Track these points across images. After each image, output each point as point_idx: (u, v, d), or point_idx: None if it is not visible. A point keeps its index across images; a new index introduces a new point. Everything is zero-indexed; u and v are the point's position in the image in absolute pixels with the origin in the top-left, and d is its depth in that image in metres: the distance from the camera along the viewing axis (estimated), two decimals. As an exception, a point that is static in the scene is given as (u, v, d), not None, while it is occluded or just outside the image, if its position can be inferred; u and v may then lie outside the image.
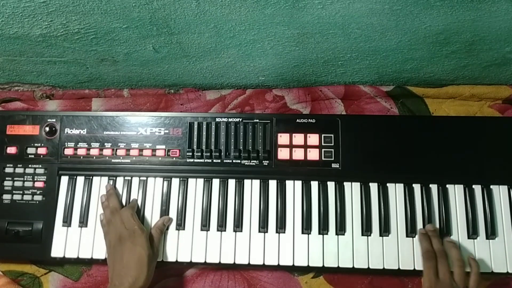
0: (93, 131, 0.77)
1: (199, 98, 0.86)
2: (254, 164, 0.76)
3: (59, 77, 0.83)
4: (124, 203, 0.76)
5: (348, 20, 0.63)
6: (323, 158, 0.75)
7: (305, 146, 0.76)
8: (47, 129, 0.77)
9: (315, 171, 0.75)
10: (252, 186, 0.76)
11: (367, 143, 0.76)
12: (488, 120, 0.79)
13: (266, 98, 0.86)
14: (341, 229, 0.73)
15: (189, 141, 0.77)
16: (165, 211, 0.75)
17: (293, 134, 0.76)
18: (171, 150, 0.76)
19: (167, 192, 0.76)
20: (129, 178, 0.77)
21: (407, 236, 0.73)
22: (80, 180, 0.77)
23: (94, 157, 0.77)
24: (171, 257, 0.72)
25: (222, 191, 0.75)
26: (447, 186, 0.75)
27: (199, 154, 0.76)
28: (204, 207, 0.75)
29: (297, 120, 0.77)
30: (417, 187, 0.75)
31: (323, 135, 0.76)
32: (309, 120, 0.77)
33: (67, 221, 0.75)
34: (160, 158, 0.76)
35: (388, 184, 0.75)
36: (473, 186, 0.75)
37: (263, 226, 0.73)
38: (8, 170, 0.77)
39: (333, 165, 0.75)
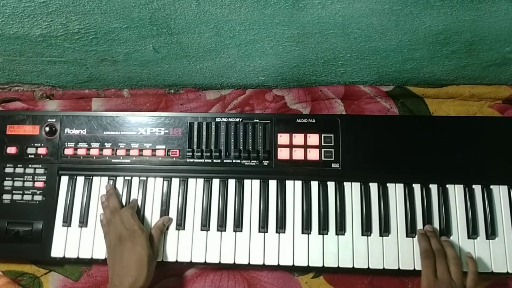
0: (93, 131, 0.77)
1: (199, 98, 0.86)
2: (254, 164, 0.76)
3: (59, 77, 0.83)
4: (124, 203, 0.76)
5: (348, 20, 0.63)
6: (323, 158, 0.75)
7: (305, 146, 0.76)
8: (47, 129, 0.77)
9: (315, 171, 0.75)
10: (252, 186, 0.76)
11: (367, 143, 0.76)
12: (488, 120, 0.79)
13: (266, 98, 0.86)
14: (341, 229, 0.73)
15: (189, 141, 0.77)
16: (165, 211, 0.75)
17: (293, 134, 0.76)
18: (171, 150, 0.76)
19: (167, 192, 0.76)
20: (129, 178, 0.77)
21: (407, 236, 0.73)
22: (80, 180, 0.77)
23: (94, 157, 0.77)
24: (171, 257, 0.72)
25: (222, 191, 0.75)
26: (447, 186, 0.75)
27: (199, 154, 0.76)
28: (204, 207, 0.75)
29: (297, 120, 0.77)
30: (417, 187, 0.75)
31: (323, 135, 0.76)
32: (309, 120, 0.77)
33: (67, 221, 0.75)
34: (160, 158, 0.76)
35: (388, 184, 0.75)
36: (473, 186, 0.75)
37: (263, 226, 0.73)
38: (8, 170, 0.77)
39: (333, 165, 0.75)
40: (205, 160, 0.76)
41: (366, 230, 0.73)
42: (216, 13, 0.61)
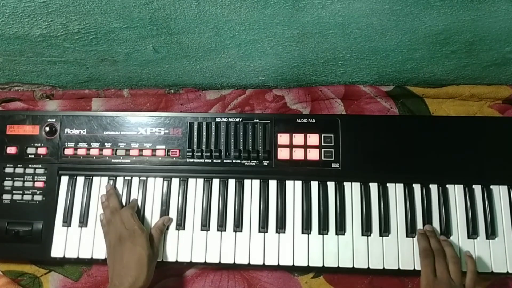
0: (93, 131, 0.77)
1: (199, 98, 0.86)
2: (254, 164, 0.76)
3: (59, 77, 0.83)
4: (124, 203, 0.76)
5: (348, 20, 0.63)
6: (323, 158, 0.75)
7: (305, 146, 0.76)
8: (47, 129, 0.77)
9: (315, 171, 0.75)
10: (252, 186, 0.76)
11: (367, 143, 0.76)
12: (488, 120, 0.79)
13: (266, 98, 0.86)
14: (341, 229, 0.73)
15: (189, 141, 0.77)
16: (165, 211, 0.75)
17: (293, 134, 0.76)
18: (171, 150, 0.76)
19: (167, 192, 0.76)
20: (129, 178, 0.77)
21: (407, 236, 0.73)
22: (80, 180, 0.77)
23: (94, 157, 0.77)
24: (171, 257, 0.72)
25: (222, 191, 0.75)
26: (447, 186, 0.75)
27: (199, 154, 0.76)
28: (204, 207, 0.75)
29: (297, 120, 0.77)
30: (417, 187, 0.75)
31: (323, 135, 0.76)
32: (309, 120, 0.77)
33: (67, 221, 0.75)
34: (160, 158, 0.76)
35: (388, 184, 0.75)
36: (473, 186, 0.75)
37: (263, 226, 0.73)
38: (8, 170, 0.77)
39: (333, 165, 0.75)
40: (205, 160, 0.76)
41: (366, 230, 0.73)
42: (216, 13, 0.61)
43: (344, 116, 0.81)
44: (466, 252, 0.71)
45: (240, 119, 0.77)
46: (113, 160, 0.76)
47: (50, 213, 0.75)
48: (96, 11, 0.61)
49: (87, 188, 0.76)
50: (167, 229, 0.74)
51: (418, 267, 0.71)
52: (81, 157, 0.77)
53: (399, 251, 0.72)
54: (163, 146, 0.76)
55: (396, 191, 0.75)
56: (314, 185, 0.75)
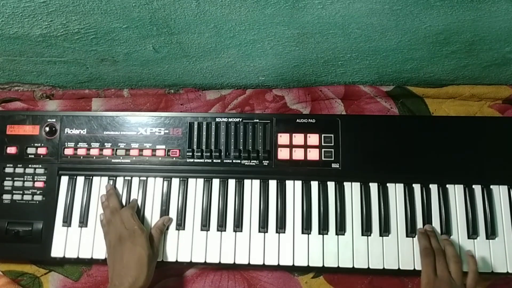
0: (93, 131, 0.77)
1: (199, 98, 0.86)
2: (254, 164, 0.76)
3: (59, 77, 0.83)
4: (124, 203, 0.76)
5: (348, 20, 0.63)
6: (323, 158, 0.75)
7: (305, 146, 0.76)
8: (47, 129, 0.77)
9: (315, 171, 0.75)
10: (252, 186, 0.76)
11: (367, 143, 0.76)
12: (488, 120, 0.79)
13: (266, 98, 0.86)
14: (341, 229, 0.73)
15: (189, 141, 0.77)
16: (165, 211, 0.75)
17: (293, 134, 0.76)
18: (171, 150, 0.76)
19: (167, 192, 0.76)
20: (129, 178, 0.77)
21: (407, 236, 0.73)
22: (80, 180, 0.77)
23: (94, 157, 0.77)
24: (171, 257, 0.72)
25: (222, 191, 0.75)
26: (447, 186, 0.75)
27: (199, 154, 0.76)
28: (204, 207, 0.75)
29: (297, 120, 0.77)
30: (417, 187, 0.75)
31: (323, 135, 0.76)
32: (309, 120, 0.77)
33: (67, 221, 0.75)
34: (160, 158, 0.76)
35: (388, 184, 0.75)
36: (473, 186, 0.75)
37: (263, 226, 0.73)
38: (8, 170, 0.77)
39: (333, 165, 0.75)
40: (205, 160, 0.76)
41: (366, 230, 0.73)
42: (216, 13, 0.61)
43: (344, 116, 0.81)
44: (468, 252, 0.71)
45: (240, 119, 0.77)
46: (113, 160, 0.76)
47: (50, 213, 0.75)
48: (96, 11, 0.61)
49: (87, 188, 0.76)
50: (167, 229, 0.74)
51: (418, 267, 0.71)
52: (81, 157, 0.77)
53: (399, 251, 0.72)
54: (163, 146, 0.76)
55: (396, 191, 0.75)
56: (314, 185, 0.75)
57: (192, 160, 0.76)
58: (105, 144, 0.77)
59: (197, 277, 0.76)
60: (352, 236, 0.73)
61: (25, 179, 0.76)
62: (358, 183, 0.75)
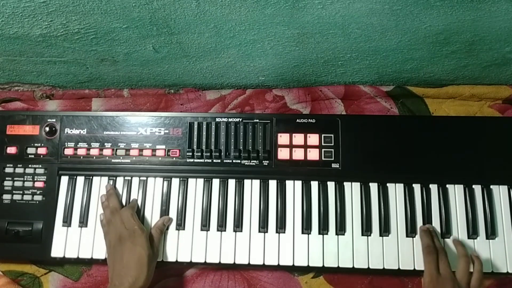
0: (93, 131, 0.77)
1: (199, 98, 0.86)
2: (254, 164, 0.76)
3: (59, 77, 0.83)
4: (124, 203, 0.76)
5: (348, 20, 0.63)
6: (323, 158, 0.75)
7: (305, 146, 0.76)
8: (47, 129, 0.77)
9: (315, 171, 0.75)
10: (252, 186, 0.76)
11: (367, 143, 0.76)
12: (488, 120, 0.79)
13: (266, 98, 0.86)
14: (341, 229, 0.73)
15: (189, 141, 0.77)
16: (165, 211, 0.75)
17: (293, 134, 0.76)
18: (171, 150, 0.76)
19: (167, 192, 0.76)
20: (129, 178, 0.77)
21: (407, 236, 0.73)
22: (80, 180, 0.77)
23: (94, 157, 0.77)
24: (171, 257, 0.72)
25: (222, 191, 0.75)
26: (447, 186, 0.75)
27: (199, 154, 0.76)
28: (204, 207, 0.75)
29: (297, 120, 0.77)
30: (417, 187, 0.75)
31: (323, 135, 0.76)
32: (309, 120, 0.77)
33: (67, 221, 0.75)
34: (160, 158, 0.76)
35: (388, 184, 0.75)
36: (473, 186, 0.75)
37: (263, 226, 0.73)
38: (8, 170, 0.77)
39: (333, 165, 0.75)
40: (205, 160, 0.76)
41: (366, 230, 0.73)
42: (216, 13, 0.61)
43: (344, 116, 0.81)
44: (473, 253, 0.71)
45: (240, 119, 0.77)
46: (113, 160, 0.76)
47: (50, 213, 0.75)
48: (96, 11, 0.61)
49: (87, 188, 0.76)
50: (167, 229, 0.74)
51: (418, 267, 0.71)
52: (81, 157, 0.77)
53: (399, 251, 0.72)
54: (163, 146, 0.76)
55: (396, 191, 0.75)
56: (314, 185, 0.75)
57: (192, 160, 0.76)
58: (105, 144, 0.77)
59: (197, 277, 0.76)
60: (352, 236, 0.73)
61: (25, 179, 0.76)
62: (358, 183, 0.75)
